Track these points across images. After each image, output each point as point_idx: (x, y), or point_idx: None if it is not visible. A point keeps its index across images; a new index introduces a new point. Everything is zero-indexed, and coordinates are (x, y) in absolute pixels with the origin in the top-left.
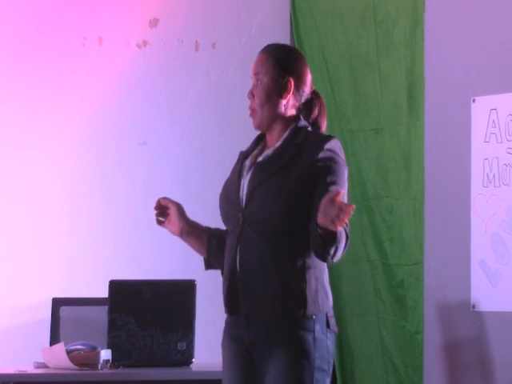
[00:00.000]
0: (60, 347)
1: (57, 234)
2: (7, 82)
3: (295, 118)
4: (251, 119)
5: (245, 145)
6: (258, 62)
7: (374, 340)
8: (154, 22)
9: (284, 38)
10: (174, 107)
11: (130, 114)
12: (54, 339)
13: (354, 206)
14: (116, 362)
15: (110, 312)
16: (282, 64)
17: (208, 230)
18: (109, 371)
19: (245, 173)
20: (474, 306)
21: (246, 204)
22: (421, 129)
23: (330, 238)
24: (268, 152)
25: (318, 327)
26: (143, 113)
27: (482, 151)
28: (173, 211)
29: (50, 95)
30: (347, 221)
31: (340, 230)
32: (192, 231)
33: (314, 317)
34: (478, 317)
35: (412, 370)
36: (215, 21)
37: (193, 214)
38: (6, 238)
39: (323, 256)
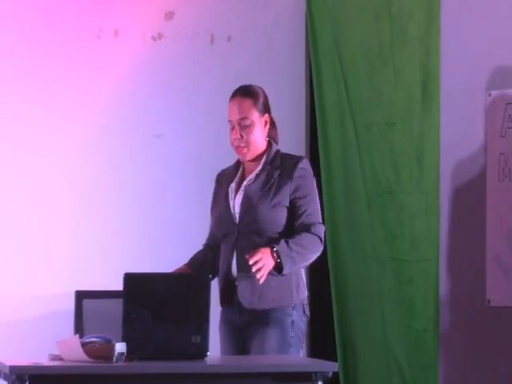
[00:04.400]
0: (75, 340)
1: (77, 226)
2: (23, 75)
3: (268, 144)
4: (238, 154)
5: None
6: (239, 107)
7: (377, 339)
8: (169, 15)
9: (299, 31)
10: (189, 100)
11: (145, 107)
12: (79, 331)
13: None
14: (131, 354)
15: (125, 305)
16: (259, 104)
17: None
18: (123, 364)
19: (232, 195)
20: (489, 301)
21: (239, 221)
22: (435, 123)
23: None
24: (252, 176)
25: (295, 313)
26: (158, 105)
27: (498, 146)
28: None
29: (65, 87)
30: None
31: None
32: None
33: (293, 305)
34: (493, 312)
35: (417, 370)
36: (231, 13)
37: (207, 207)
38: (31, 229)
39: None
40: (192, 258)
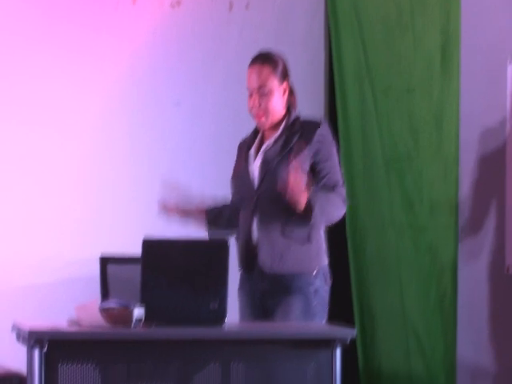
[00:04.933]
0: (93, 305)
1: (102, 192)
2: (41, 43)
3: (286, 111)
4: (257, 122)
5: None
6: (259, 75)
7: (395, 306)
8: None
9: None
10: (207, 67)
11: (163, 75)
12: (104, 296)
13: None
14: (149, 320)
15: (143, 271)
16: (278, 72)
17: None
18: (141, 329)
19: (251, 160)
20: (508, 269)
21: (258, 185)
22: (455, 89)
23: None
24: (270, 141)
25: (317, 281)
26: (177, 73)
27: None
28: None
29: (83, 56)
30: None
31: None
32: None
33: (314, 273)
34: None
35: (434, 337)
36: None
37: (224, 175)
38: (56, 194)
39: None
40: (211, 206)
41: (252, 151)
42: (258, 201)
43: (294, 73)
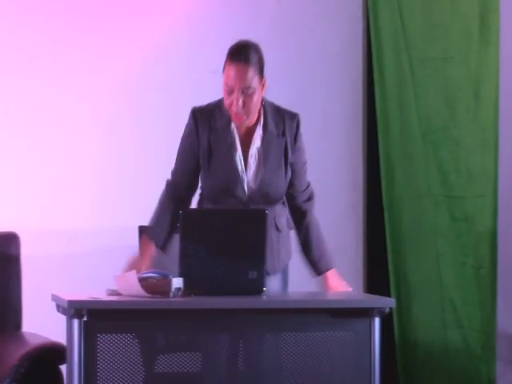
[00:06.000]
0: (132, 275)
1: (140, 162)
2: (69, 10)
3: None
4: (235, 120)
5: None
6: (245, 75)
7: (432, 277)
8: None
9: None
10: (244, 34)
11: (200, 42)
12: None
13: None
14: (187, 290)
15: (182, 241)
16: (259, 69)
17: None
18: (180, 299)
19: (237, 153)
20: None
21: (253, 187)
22: (494, 56)
23: None
24: (257, 142)
25: None
26: (213, 41)
27: None
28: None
29: (119, 22)
30: None
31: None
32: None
33: None
34: None
35: (471, 307)
36: None
37: None
38: (96, 165)
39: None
40: (152, 234)
41: (239, 151)
42: (248, 202)
43: (331, 44)
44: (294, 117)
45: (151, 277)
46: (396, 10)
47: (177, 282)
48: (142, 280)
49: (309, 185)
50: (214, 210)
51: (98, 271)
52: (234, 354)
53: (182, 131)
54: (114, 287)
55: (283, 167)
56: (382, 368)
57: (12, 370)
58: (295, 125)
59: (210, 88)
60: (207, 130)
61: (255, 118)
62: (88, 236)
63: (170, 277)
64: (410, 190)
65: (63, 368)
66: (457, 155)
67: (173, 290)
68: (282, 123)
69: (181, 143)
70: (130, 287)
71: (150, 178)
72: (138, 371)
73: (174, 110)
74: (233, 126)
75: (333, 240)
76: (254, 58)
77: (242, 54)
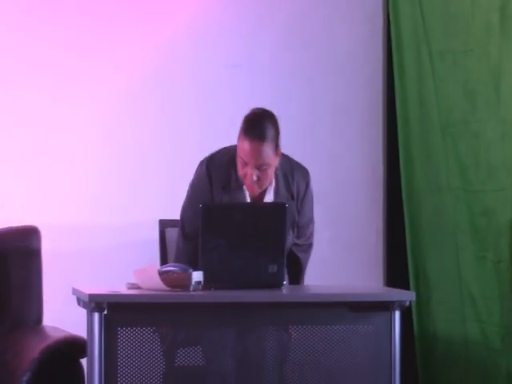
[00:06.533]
0: (152, 268)
1: (160, 156)
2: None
3: None
4: (249, 190)
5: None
6: (260, 153)
7: (451, 271)
8: None
9: None
10: (264, 29)
11: (221, 36)
12: (163, 260)
13: None
14: (208, 283)
15: (203, 235)
16: (275, 144)
17: None
18: (200, 293)
19: None
20: None
21: None
22: None
23: None
24: (269, 200)
25: None
26: (234, 34)
27: None
28: None
29: (137, 17)
30: None
31: None
32: None
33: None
34: None
35: (491, 301)
36: None
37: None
38: (116, 159)
39: None
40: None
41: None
42: None
43: (351, 37)
44: (304, 176)
45: (171, 270)
46: (416, 3)
47: (197, 276)
48: (162, 274)
49: (309, 239)
50: (234, 205)
51: (119, 265)
52: (253, 348)
53: (203, 128)
54: (134, 281)
55: (290, 228)
56: (401, 361)
57: (32, 364)
58: (304, 185)
59: (231, 82)
60: (221, 189)
61: (266, 186)
62: (109, 230)
63: (191, 270)
64: (430, 184)
65: (84, 362)
66: (477, 149)
67: (193, 283)
68: (293, 184)
69: (193, 190)
70: (149, 281)
71: (168, 172)
72: (159, 364)
73: (195, 103)
74: (245, 189)
75: (353, 234)
76: (270, 133)
77: (258, 129)
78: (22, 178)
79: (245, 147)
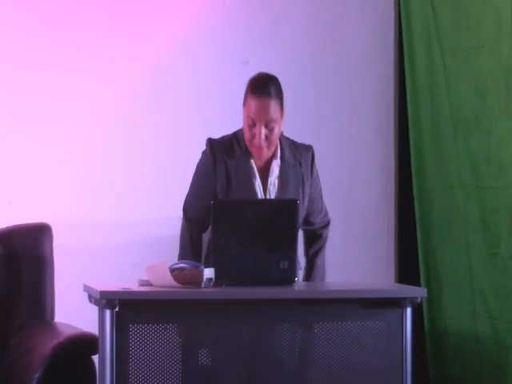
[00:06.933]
0: (164, 265)
1: (178, 152)
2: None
3: None
4: (255, 152)
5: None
6: (268, 109)
7: (462, 268)
8: None
9: None
10: (275, 25)
11: (232, 33)
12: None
13: None
14: (219, 280)
15: (214, 231)
16: (280, 102)
17: None
18: (212, 289)
19: (261, 193)
20: None
21: None
22: None
23: None
24: (276, 175)
25: None
26: (245, 31)
27: None
28: None
29: (150, 11)
30: None
31: None
32: None
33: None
34: None
35: (502, 298)
36: None
37: (292, 134)
38: (136, 156)
39: None
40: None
41: (259, 183)
42: None
43: (363, 34)
44: (308, 149)
45: (182, 267)
46: (427, 0)
47: (208, 273)
48: (173, 271)
49: (326, 213)
50: (246, 200)
51: (130, 262)
52: (264, 345)
53: (212, 124)
54: (145, 278)
55: (301, 195)
56: (412, 357)
57: (44, 360)
58: (310, 156)
59: (241, 78)
60: (225, 162)
61: (273, 150)
62: (120, 227)
63: (202, 267)
64: (441, 181)
65: (95, 358)
66: (488, 145)
67: (204, 280)
68: (299, 154)
69: (195, 176)
70: (161, 278)
71: (183, 169)
72: (170, 361)
73: (206, 99)
74: (251, 157)
75: (365, 230)
76: (275, 92)
77: (265, 88)
78: (30, 176)
79: (252, 105)
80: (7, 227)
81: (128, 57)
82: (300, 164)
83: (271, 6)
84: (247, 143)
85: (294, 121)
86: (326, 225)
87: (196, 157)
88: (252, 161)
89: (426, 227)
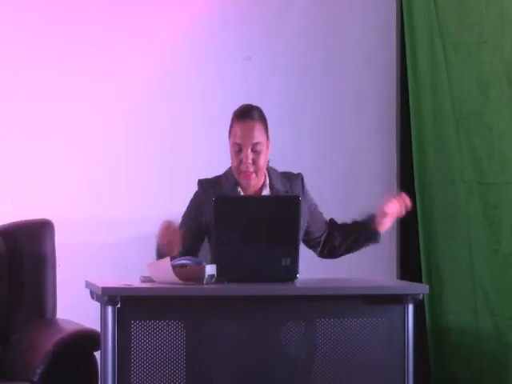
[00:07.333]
0: (166, 262)
1: (175, 150)
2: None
3: None
4: (245, 179)
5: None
6: (253, 131)
7: (463, 263)
8: None
9: None
10: (278, 21)
11: (234, 29)
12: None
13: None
14: (221, 277)
15: (215, 227)
16: (265, 127)
17: None
18: (213, 286)
19: None
20: None
21: None
22: None
23: None
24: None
25: None
26: (248, 27)
27: None
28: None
29: (150, 10)
30: None
31: None
32: None
33: None
34: None
35: (503, 294)
36: None
37: (294, 130)
38: (132, 154)
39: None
40: None
41: None
42: None
43: (365, 29)
44: (297, 176)
45: (184, 264)
46: None
47: (210, 269)
48: (175, 267)
49: (325, 227)
50: (247, 197)
51: (132, 258)
52: (266, 341)
53: (215, 121)
54: (147, 274)
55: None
56: (414, 354)
57: (46, 357)
58: (300, 182)
59: (243, 74)
60: (213, 196)
61: (262, 179)
62: (122, 224)
63: (204, 264)
64: (443, 176)
65: (97, 354)
66: (490, 141)
67: (206, 276)
68: (288, 182)
69: (187, 207)
70: (163, 274)
71: (185, 168)
72: (172, 357)
73: (208, 95)
74: (239, 188)
75: None
76: (258, 116)
77: (248, 113)
78: (32, 173)
79: (238, 130)
80: (9, 224)
81: (129, 53)
82: (291, 190)
83: (272, 2)
84: (235, 172)
85: (297, 117)
86: (325, 231)
87: (198, 152)
88: (240, 190)
89: (428, 223)
